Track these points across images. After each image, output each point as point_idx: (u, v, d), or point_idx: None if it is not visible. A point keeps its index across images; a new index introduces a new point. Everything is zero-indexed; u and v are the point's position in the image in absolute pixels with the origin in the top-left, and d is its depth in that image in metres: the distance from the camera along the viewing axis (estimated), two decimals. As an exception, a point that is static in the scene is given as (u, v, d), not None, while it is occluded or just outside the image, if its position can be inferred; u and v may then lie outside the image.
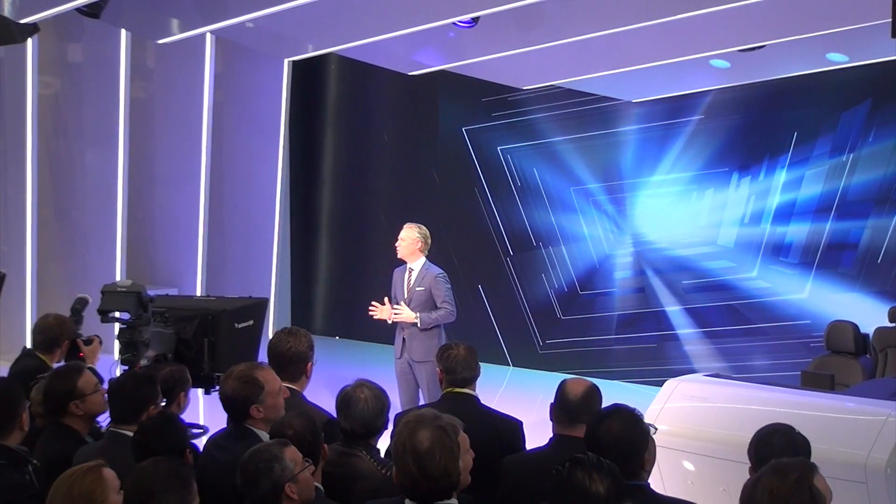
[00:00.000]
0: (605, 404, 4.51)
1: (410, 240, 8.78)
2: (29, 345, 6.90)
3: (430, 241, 8.88)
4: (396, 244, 8.81)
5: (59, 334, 6.24)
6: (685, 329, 12.32)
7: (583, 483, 3.51)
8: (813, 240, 11.42)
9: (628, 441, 4.03)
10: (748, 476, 4.19)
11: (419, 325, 8.59)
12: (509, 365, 13.54)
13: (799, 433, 4.42)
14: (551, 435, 4.76)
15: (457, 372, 5.38)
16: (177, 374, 5.36)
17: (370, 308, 8.72)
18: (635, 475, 4.00)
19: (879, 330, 8.86)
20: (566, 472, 3.56)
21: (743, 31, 8.78)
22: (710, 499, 6.04)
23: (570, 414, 4.65)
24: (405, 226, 8.90)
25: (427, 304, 8.69)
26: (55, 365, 6.00)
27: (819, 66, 10.20)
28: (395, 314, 8.66)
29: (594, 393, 4.74)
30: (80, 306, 6.61)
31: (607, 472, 3.55)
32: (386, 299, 8.74)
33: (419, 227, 8.86)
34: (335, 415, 4.78)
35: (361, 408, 4.67)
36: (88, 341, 6.35)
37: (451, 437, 3.68)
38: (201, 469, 4.43)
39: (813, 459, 3.85)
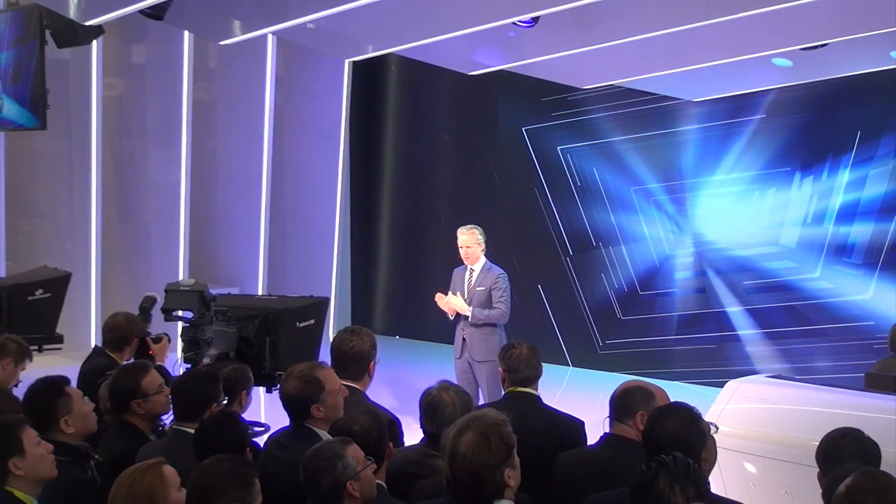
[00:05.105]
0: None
1: (475, 244, 8.85)
2: (96, 343, 6.99)
3: (484, 236, 8.96)
4: (463, 255, 8.85)
5: (129, 332, 6.32)
6: (746, 330, 12.21)
7: (663, 493, 3.44)
8: (877, 240, 11.26)
9: (684, 439, 3.96)
10: (813, 480, 4.14)
11: (470, 318, 8.65)
12: (569, 365, 13.50)
13: (869, 437, 4.31)
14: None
15: (520, 371, 5.39)
16: (239, 372, 5.40)
17: (437, 297, 8.82)
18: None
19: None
20: (650, 475, 3.48)
21: (805, 30, 8.68)
22: (772, 501, 5.99)
23: (617, 412, 4.59)
24: (460, 231, 8.93)
25: (486, 304, 8.74)
26: (124, 363, 6.07)
27: (883, 65, 10.06)
28: (450, 302, 8.75)
29: (637, 391, 4.62)
30: (148, 305, 6.69)
31: (693, 485, 3.46)
32: (449, 294, 8.82)
33: (473, 228, 8.91)
34: (410, 416, 4.76)
35: (449, 413, 4.64)
36: (157, 339, 6.42)
37: (494, 444, 3.60)
38: (262, 468, 4.47)
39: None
